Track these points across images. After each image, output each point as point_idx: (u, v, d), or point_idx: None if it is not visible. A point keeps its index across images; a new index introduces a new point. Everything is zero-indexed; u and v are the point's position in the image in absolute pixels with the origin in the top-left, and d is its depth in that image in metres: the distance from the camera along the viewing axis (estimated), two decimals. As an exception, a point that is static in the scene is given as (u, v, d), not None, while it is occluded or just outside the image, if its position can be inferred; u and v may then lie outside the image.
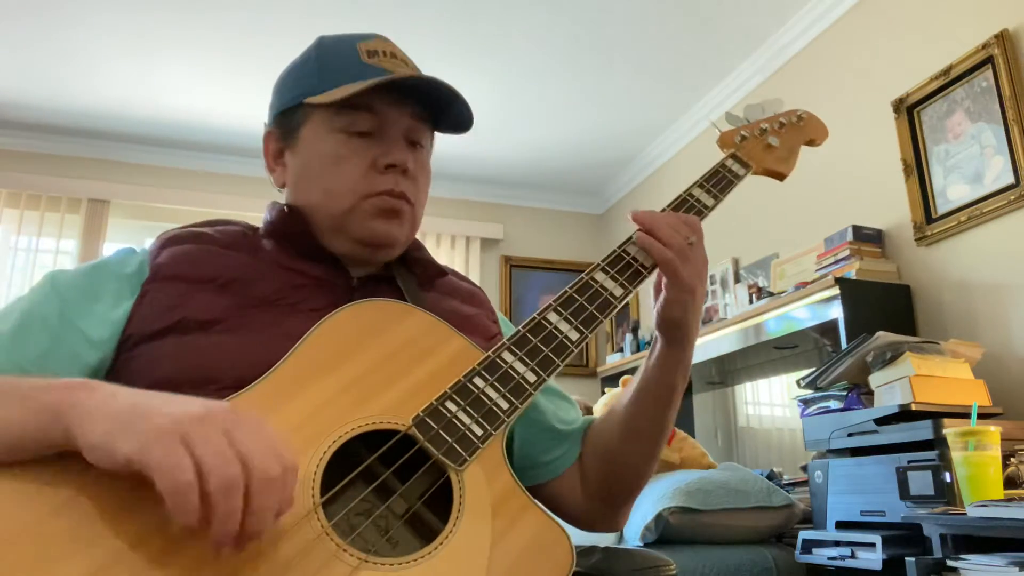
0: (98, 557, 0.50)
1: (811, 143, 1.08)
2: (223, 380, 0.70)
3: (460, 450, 0.65)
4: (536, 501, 0.68)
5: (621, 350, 3.82)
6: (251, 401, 0.63)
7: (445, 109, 0.88)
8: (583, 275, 0.81)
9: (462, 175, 4.17)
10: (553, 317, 0.77)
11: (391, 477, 0.65)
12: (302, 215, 0.86)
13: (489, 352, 0.73)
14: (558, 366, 0.75)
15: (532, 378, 0.73)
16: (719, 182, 0.94)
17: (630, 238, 0.84)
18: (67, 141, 3.72)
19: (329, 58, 0.86)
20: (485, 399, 0.69)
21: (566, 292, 0.79)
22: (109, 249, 3.71)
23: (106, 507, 0.52)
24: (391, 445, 0.65)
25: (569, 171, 4.17)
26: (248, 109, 3.46)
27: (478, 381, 0.70)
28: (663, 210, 0.88)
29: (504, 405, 0.69)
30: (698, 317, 0.83)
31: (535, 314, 0.77)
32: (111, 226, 3.75)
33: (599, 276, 0.81)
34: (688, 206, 0.89)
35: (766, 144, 1.01)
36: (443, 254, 4.13)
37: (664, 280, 0.81)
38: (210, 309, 0.76)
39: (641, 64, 3.13)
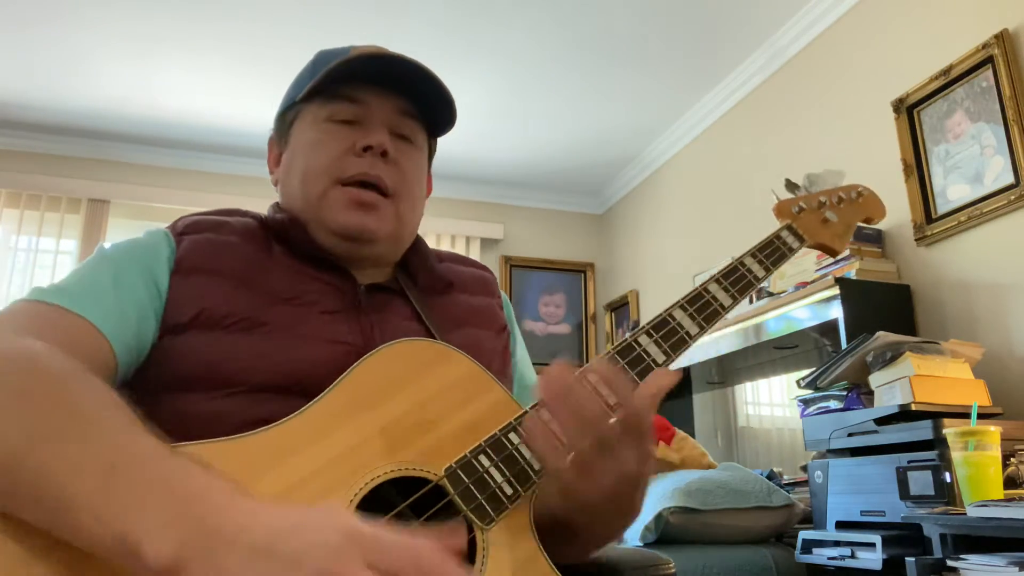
0: None
1: (868, 221, 1.06)
2: (242, 383, 0.71)
3: (489, 509, 0.65)
4: (557, 571, 0.66)
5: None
6: (289, 433, 0.63)
7: (434, 107, 0.88)
8: (627, 336, 0.78)
9: (462, 175, 4.17)
10: (592, 378, 0.74)
11: (417, 525, 0.64)
12: (297, 219, 0.85)
13: (527, 408, 0.71)
14: None
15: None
16: (772, 253, 0.90)
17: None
18: (67, 141, 3.71)
19: (322, 62, 0.88)
20: (519, 457, 0.68)
21: (609, 352, 0.77)
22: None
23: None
24: (422, 494, 0.65)
25: (569, 171, 4.17)
26: (248, 109, 3.46)
27: (514, 437, 0.69)
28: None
29: (537, 466, 0.68)
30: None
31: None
32: (111, 226, 3.74)
33: (643, 339, 0.77)
34: (739, 275, 0.84)
35: (823, 218, 0.99)
36: (443, 254, 4.12)
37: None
38: (228, 303, 0.75)
39: (641, 64, 3.13)
